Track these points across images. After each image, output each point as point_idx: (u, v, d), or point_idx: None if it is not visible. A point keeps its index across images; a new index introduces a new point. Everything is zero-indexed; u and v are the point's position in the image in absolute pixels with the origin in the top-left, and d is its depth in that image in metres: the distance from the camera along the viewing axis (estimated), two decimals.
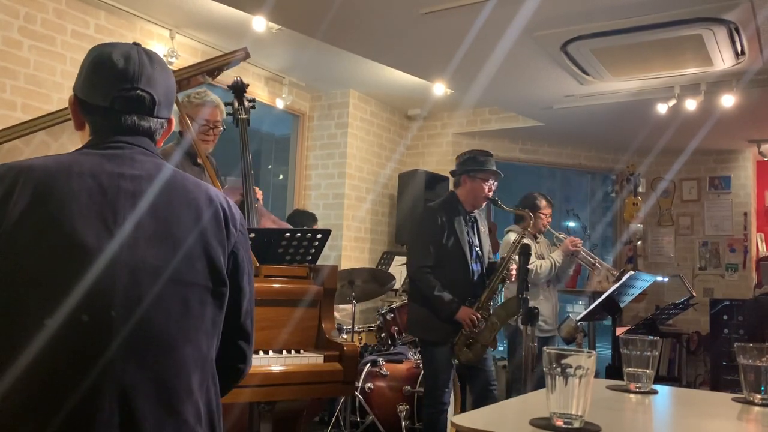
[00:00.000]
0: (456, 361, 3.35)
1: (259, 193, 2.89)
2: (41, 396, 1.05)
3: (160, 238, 1.16)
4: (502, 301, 3.56)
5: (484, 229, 3.56)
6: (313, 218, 4.64)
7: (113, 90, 1.21)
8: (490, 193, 3.42)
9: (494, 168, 3.43)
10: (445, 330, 3.29)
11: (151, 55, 1.27)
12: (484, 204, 3.50)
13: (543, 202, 4.07)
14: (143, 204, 1.16)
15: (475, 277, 3.38)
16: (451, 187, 6.24)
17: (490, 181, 3.41)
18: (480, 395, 3.40)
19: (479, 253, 3.45)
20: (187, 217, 1.20)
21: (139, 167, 1.20)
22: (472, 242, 3.42)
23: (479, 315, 3.26)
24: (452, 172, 3.55)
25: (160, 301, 1.13)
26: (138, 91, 1.22)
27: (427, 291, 3.28)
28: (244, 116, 2.84)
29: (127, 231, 1.13)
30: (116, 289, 1.09)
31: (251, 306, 1.33)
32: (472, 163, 3.43)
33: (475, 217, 3.50)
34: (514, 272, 3.33)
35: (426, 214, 3.49)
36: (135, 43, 1.29)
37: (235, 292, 1.27)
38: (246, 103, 2.85)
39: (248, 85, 2.89)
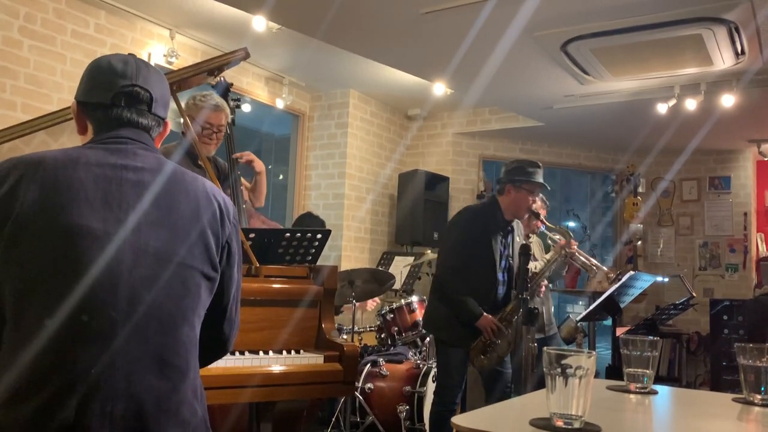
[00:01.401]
0: (471, 365, 3.33)
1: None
2: (50, 368, 1.12)
3: (162, 224, 1.24)
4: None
5: (520, 239, 3.50)
6: (321, 223, 4.57)
7: (114, 87, 1.31)
8: (534, 206, 3.36)
9: (541, 181, 3.35)
10: (462, 333, 3.26)
11: (147, 63, 1.39)
12: (525, 216, 3.44)
13: (537, 202, 4.04)
14: (145, 193, 1.25)
15: (501, 287, 3.35)
16: (452, 188, 6.24)
17: (535, 194, 3.35)
18: (495, 397, 3.37)
19: (510, 262, 3.41)
20: (186, 207, 1.28)
21: (141, 160, 1.28)
22: (504, 252, 3.38)
23: (501, 326, 3.23)
24: (498, 180, 3.48)
25: (161, 281, 1.21)
26: (136, 88, 1.32)
27: (452, 293, 3.26)
28: (230, 116, 2.85)
29: (130, 216, 1.21)
30: (121, 268, 1.17)
31: (238, 294, 1.43)
32: (518, 173, 3.34)
33: (512, 227, 3.44)
34: (543, 288, 3.30)
35: (463, 215, 3.44)
36: (131, 54, 1.40)
37: (228, 279, 1.37)
38: (231, 103, 2.85)
39: (232, 84, 2.89)
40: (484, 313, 3.23)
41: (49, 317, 1.13)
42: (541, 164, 3.45)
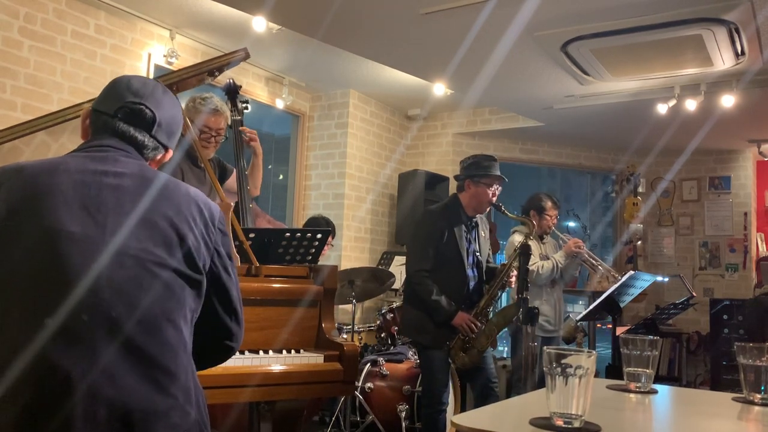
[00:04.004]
0: (452, 364, 3.34)
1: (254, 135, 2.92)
2: (31, 373, 1.10)
3: (142, 227, 1.23)
4: (501, 307, 3.56)
5: (484, 234, 3.53)
6: (331, 227, 4.51)
7: (121, 101, 1.34)
8: (494, 199, 3.38)
9: (498, 173, 3.38)
10: (440, 334, 3.28)
11: (167, 90, 1.41)
12: (487, 209, 3.46)
13: (548, 204, 4.07)
14: (125, 197, 1.25)
15: (471, 283, 3.37)
16: (452, 188, 6.24)
17: (494, 187, 3.37)
18: (481, 394, 3.40)
19: (478, 258, 3.43)
20: (168, 211, 1.28)
21: (122, 166, 1.29)
22: (471, 248, 3.40)
23: (477, 321, 3.26)
24: (456, 177, 3.52)
25: (143, 283, 1.20)
26: (142, 106, 1.34)
27: (425, 295, 3.27)
28: (238, 117, 2.84)
29: (110, 220, 1.21)
30: (101, 271, 1.16)
31: (239, 293, 1.43)
32: (475, 168, 3.38)
33: (476, 222, 3.47)
34: (513, 279, 3.33)
35: (426, 217, 3.47)
36: (156, 79, 1.44)
37: (227, 281, 1.39)
38: (239, 105, 2.85)
39: (241, 87, 2.88)
40: (459, 311, 3.25)
41: (29, 322, 1.12)
42: (497, 157, 3.48)
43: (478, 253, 3.44)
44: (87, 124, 1.38)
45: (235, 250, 2.17)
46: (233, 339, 1.43)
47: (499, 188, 3.41)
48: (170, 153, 1.43)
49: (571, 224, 7.85)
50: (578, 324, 4.27)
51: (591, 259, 4.24)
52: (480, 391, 3.41)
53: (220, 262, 1.36)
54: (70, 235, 1.17)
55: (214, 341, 1.40)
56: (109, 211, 1.22)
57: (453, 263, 3.32)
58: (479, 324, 3.26)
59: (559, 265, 3.97)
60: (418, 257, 3.36)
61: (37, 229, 1.17)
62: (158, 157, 1.41)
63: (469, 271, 3.37)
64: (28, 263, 1.15)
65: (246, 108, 2.88)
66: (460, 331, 3.26)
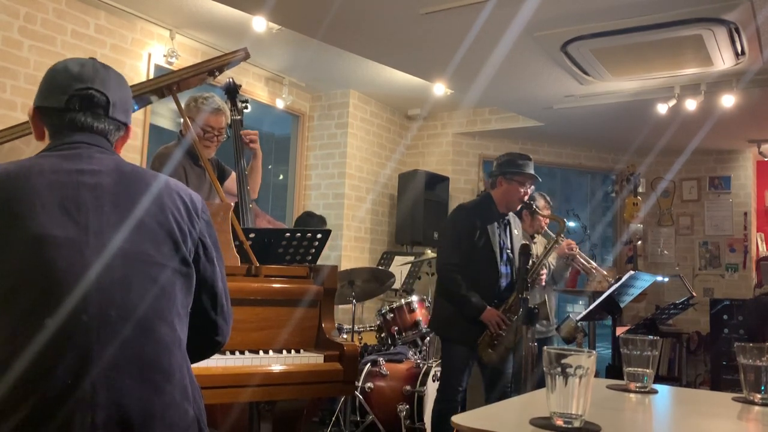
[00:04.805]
0: (478, 361, 3.33)
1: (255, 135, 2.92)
2: (26, 383, 1.08)
3: (126, 225, 1.20)
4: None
5: (516, 231, 3.52)
6: (321, 221, 4.57)
7: (68, 90, 1.27)
8: (526, 197, 3.40)
9: (532, 172, 3.40)
10: (468, 329, 3.27)
11: (106, 66, 1.34)
12: (518, 207, 3.47)
13: (541, 202, 4.04)
14: (104, 195, 1.21)
15: (503, 279, 3.36)
16: (452, 188, 6.25)
17: (527, 185, 3.38)
18: (495, 396, 3.38)
19: (510, 255, 3.42)
20: (150, 206, 1.25)
21: (98, 163, 1.25)
22: (503, 244, 3.40)
23: (505, 317, 3.25)
24: (489, 173, 3.53)
25: (133, 282, 1.18)
26: (92, 90, 1.29)
27: (454, 289, 3.27)
28: (237, 117, 2.84)
29: (92, 220, 1.18)
30: (88, 273, 1.14)
31: (225, 286, 1.40)
32: (509, 166, 3.39)
33: (508, 219, 3.47)
34: (544, 276, 3.32)
35: (458, 213, 3.47)
36: (91, 58, 1.36)
37: (212, 274, 1.36)
38: (239, 104, 2.85)
39: (240, 86, 2.88)
40: (488, 307, 3.24)
41: (19, 331, 1.09)
42: (531, 157, 3.49)
43: (509, 251, 3.44)
44: (38, 123, 1.32)
45: (233, 246, 2.17)
46: (219, 334, 1.40)
47: (532, 187, 3.42)
48: (131, 130, 1.39)
49: (571, 224, 7.85)
50: (578, 324, 4.26)
51: (585, 262, 4.21)
52: (495, 394, 3.38)
53: (205, 253, 1.33)
54: (53, 239, 1.14)
55: (199, 336, 1.36)
56: (90, 212, 1.18)
57: (486, 259, 3.32)
58: (507, 320, 3.25)
59: (551, 266, 3.95)
60: (447, 251, 3.36)
61: (18, 235, 1.13)
62: (120, 136, 1.36)
63: (502, 268, 3.36)
64: (12, 272, 1.12)
65: (246, 107, 2.89)
66: (488, 328, 3.25)
